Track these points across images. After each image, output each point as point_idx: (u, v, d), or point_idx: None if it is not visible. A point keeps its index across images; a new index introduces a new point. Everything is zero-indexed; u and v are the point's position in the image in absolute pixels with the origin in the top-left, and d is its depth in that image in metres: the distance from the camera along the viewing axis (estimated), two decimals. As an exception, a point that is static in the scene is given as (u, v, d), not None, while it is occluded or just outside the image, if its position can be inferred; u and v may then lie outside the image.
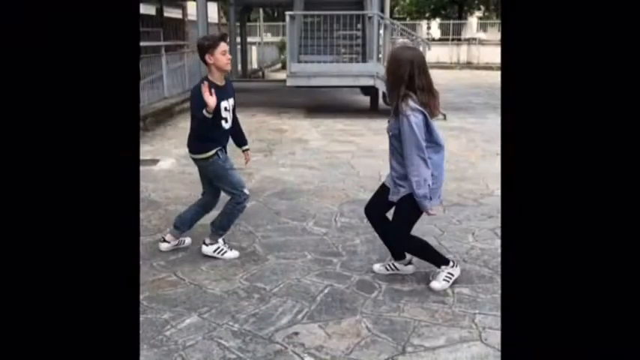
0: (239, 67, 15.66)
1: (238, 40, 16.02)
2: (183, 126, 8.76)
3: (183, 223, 3.61)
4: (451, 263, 3.11)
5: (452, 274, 3.08)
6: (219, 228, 3.50)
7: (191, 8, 18.78)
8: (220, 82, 3.27)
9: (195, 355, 2.44)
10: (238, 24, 16.43)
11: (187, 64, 11.38)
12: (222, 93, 3.23)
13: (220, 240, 3.52)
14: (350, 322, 2.73)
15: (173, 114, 9.59)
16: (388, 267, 3.26)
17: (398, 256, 3.24)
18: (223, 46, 3.19)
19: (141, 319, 2.69)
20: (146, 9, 17.14)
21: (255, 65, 19.02)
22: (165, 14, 19.26)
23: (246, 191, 3.44)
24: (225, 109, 3.29)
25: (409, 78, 2.78)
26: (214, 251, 3.49)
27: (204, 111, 3.07)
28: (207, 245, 3.51)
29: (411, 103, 2.77)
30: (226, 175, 3.37)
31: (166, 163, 6.19)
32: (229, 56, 3.26)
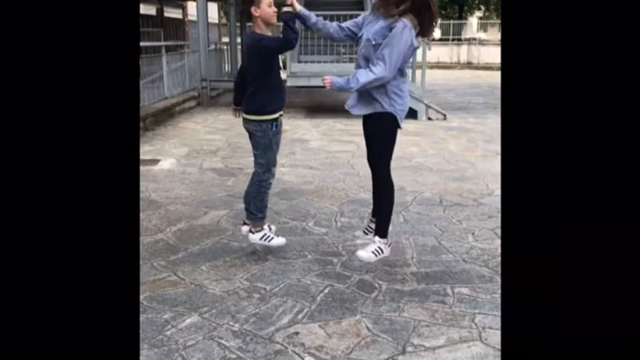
0: (239, 67, 15.64)
1: (239, 40, 16.01)
2: (183, 126, 8.77)
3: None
4: (387, 240, 3.11)
5: (382, 251, 3.10)
6: (257, 210, 3.44)
7: (191, 8, 18.79)
8: (269, 33, 3.24)
9: (196, 355, 2.44)
10: (239, 24, 16.42)
11: (188, 64, 11.39)
12: None
13: (265, 227, 3.49)
14: (350, 322, 2.73)
15: (173, 114, 9.59)
16: (366, 230, 3.37)
17: (375, 212, 3.32)
18: None
19: (141, 318, 2.70)
20: (146, 9, 17.14)
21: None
22: (166, 14, 19.27)
23: (274, 170, 3.43)
24: (279, 59, 3.30)
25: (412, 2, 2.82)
26: (261, 238, 3.45)
27: (288, 16, 3.05)
28: (253, 233, 3.45)
29: (412, 19, 2.81)
30: (267, 148, 3.35)
31: (167, 163, 6.19)
32: (275, 9, 3.21)
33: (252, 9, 3.16)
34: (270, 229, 3.55)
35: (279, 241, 3.47)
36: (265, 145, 3.34)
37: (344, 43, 10.66)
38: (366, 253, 3.08)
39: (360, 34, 3.05)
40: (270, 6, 3.16)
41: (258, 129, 3.30)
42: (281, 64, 3.32)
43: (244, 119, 3.38)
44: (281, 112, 3.39)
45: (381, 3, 2.92)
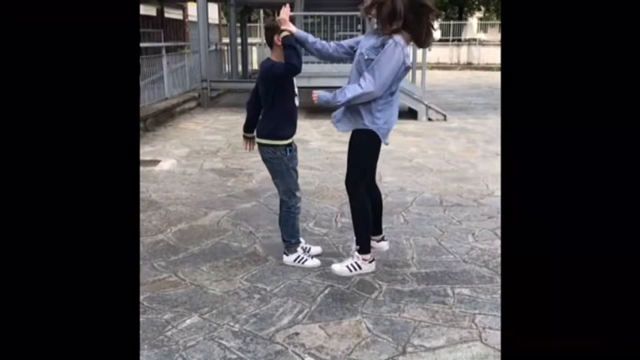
0: (239, 67, 15.67)
1: (239, 40, 16.03)
2: (183, 126, 8.78)
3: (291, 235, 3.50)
4: (369, 257, 2.99)
5: (359, 267, 2.97)
6: (289, 237, 3.43)
7: (192, 9, 18.79)
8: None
9: (196, 356, 2.44)
10: (239, 25, 16.44)
11: (188, 65, 11.40)
12: None
13: (299, 249, 3.47)
14: (350, 323, 2.73)
15: (174, 115, 9.60)
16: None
17: (373, 230, 3.24)
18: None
19: (141, 319, 2.70)
20: (147, 10, 17.14)
21: (255, 66, 19.03)
22: (166, 15, 19.27)
23: (298, 194, 3.38)
24: (295, 85, 3.27)
25: (404, 17, 2.76)
26: (294, 260, 3.41)
27: (290, 40, 3.05)
28: (287, 255, 3.44)
29: (405, 36, 2.77)
30: (285, 174, 3.31)
31: (167, 163, 6.19)
32: None
33: (275, 37, 3.16)
34: (306, 250, 3.51)
35: (313, 262, 3.41)
36: (282, 172, 3.31)
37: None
38: (339, 267, 2.99)
39: (355, 49, 3.03)
40: None
41: (273, 156, 3.27)
42: (296, 90, 3.28)
43: (258, 144, 3.34)
44: (290, 142, 3.31)
45: (367, 10, 2.89)
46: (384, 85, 2.77)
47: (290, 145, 3.27)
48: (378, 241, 3.26)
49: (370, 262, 2.99)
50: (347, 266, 2.97)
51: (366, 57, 2.85)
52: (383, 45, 2.78)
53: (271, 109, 3.25)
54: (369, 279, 3.20)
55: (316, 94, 2.94)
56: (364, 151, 2.96)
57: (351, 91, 2.83)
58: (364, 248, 2.99)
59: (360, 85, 2.81)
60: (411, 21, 2.76)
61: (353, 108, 2.93)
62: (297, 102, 3.31)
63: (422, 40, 2.87)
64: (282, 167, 3.29)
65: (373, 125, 2.88)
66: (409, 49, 2.81)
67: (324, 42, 3.12)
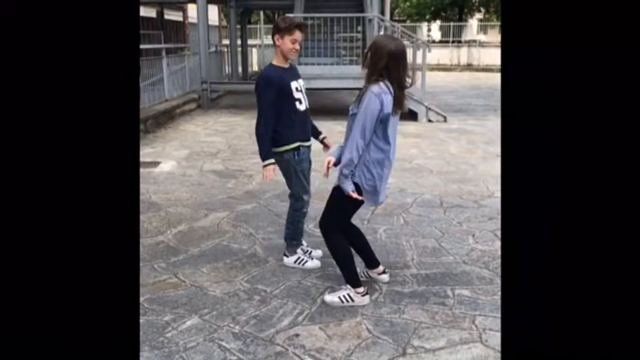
0: (240, 69, 15.68)
1: (239, 42, 16.04)
2: (183, 128, 8.78)
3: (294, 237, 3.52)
4: (361, 290, 2.95)
5: (352, 300, 2.92)
6: (290, 239, 3.45)
7: (192, 11, 18.81)
8: (285, 65, 3.24)
9: (196, 357, 2.44)
10: (239, 26, 16.44)
11: (188, 67, 11.40)
12: (290, 74, 3.22)
13: (299, 250, 3.48)
14: (350, 324, 2.73)
15: (174, 116, 9.60)
16: (362, 274, 3.17)
17: (369, 263, 3.20)
18: (296, 35, 3.14)
19: (142, 320, 2.70)
20: (147, 11, 17.16)
21: (255, 67, 19.05)
22: (166, 17, 19.29)
23: (306, 198, 3.37)
24: (297, 89, 3.23)
25: (385, 68, 2.72)
26: (295, 262, 3.42)
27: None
28: (287, 257, 3.46)
29: (383, 85, 2.72)
30: (292, 177, 3.31)
31: (167, 165, 6.20)
32: (297, 47, 3.20)
33: (276, 37, 3.15)
34: (306, 252, 3.52)
35: (313, 264, 3.43)
36: (290, 174, 3.31)
37: (344, 46, 10.69)
38: (330, 297, 2.95)
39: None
40: (293, 43, 3.14)
41: (281, 159, 3.27)
42: (295, 95, 3.22)
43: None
44: (304, 143, 3.30)
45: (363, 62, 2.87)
46: (364, 131, 2.72)
47: (298, 148, 3.26)
48: (379, 274, 3.20)
49: (364, 295, 2.96)
50: (339, 297, 2.93)
51: (351, 113, 2.84)
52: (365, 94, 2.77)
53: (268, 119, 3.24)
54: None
55: (346, 190, 2.85)
56: (344, 202, 2.91)
57: (347, 157, 2.78)
58: (354, 282, 2.97)
59: (348, 149, 2.78)
60: (389, 72, 2.74)
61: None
62: (300, 107, 3.24)
63: (403, 82, 2.82)
64: (291, 170, 3.29)
65: (358, 179, 2.81)
66: (387, 97, 2.73)
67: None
